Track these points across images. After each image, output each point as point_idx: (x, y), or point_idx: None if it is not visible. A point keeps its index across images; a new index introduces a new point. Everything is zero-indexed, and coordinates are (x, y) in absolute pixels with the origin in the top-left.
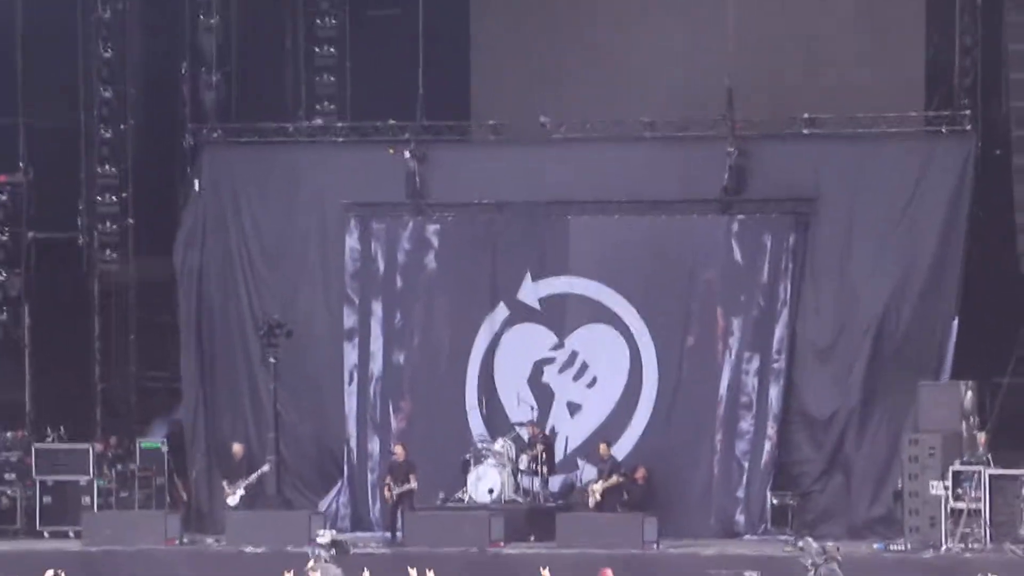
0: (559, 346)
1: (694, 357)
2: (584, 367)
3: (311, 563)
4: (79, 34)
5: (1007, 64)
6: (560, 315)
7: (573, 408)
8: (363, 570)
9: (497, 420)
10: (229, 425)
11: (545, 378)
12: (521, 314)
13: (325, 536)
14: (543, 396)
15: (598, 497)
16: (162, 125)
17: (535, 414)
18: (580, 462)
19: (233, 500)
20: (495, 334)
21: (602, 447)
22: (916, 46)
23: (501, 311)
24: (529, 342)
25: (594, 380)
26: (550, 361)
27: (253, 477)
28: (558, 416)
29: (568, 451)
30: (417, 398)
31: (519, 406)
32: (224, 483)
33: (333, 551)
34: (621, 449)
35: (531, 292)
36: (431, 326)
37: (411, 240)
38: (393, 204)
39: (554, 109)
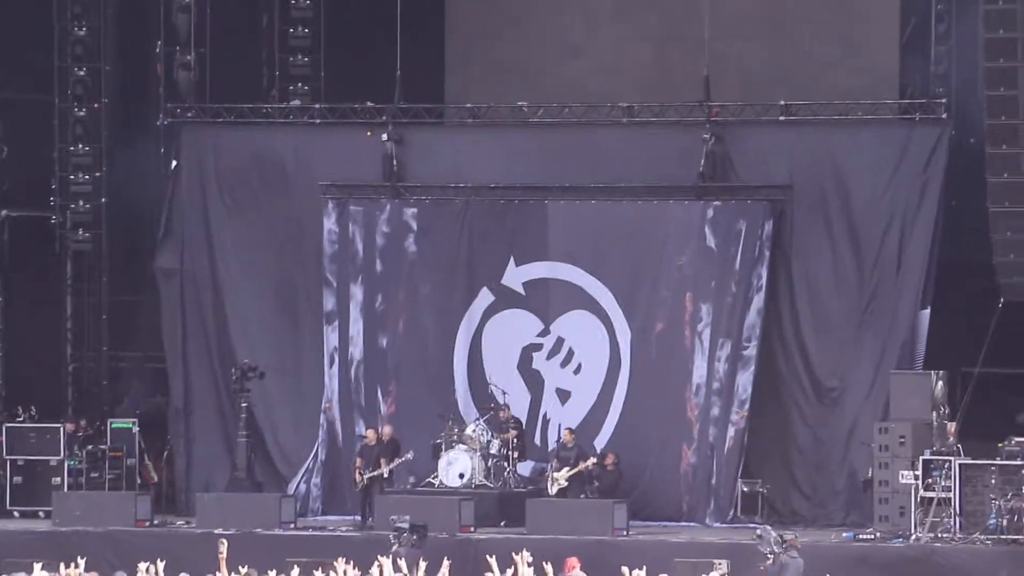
0: (545, 332)
1: (663, 343)
2: (571, 354)
3: (395, 547)
4: (53, 12)
5: (981, 53)
6: (544, 300)
7: (563, 395)
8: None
9: (486, 405)
10: (210, 412)
11: (535, 364)
12: (506, 299)
13: (405, 521)
14: (534, 383)
15: (562, 483)
16: (136, 104)
17: (507, 399)
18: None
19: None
20: (480, 319)
21: (566, 434)
22: (891, 34)
23: (485, 296)
24: (515, 328)
25: (579, 367)
26: (538, 348)
27: (396, 463)
28: (550, 403)
29: (561, 439)
30: (403, 383)
31: (490, 392)
32: (358, 461)
33: (415, 536)
34: (603, 437)
35: (515, 277)
36: (415, 311)
37: (389, 223)
38: (370, 186)
39: (529, 95)
